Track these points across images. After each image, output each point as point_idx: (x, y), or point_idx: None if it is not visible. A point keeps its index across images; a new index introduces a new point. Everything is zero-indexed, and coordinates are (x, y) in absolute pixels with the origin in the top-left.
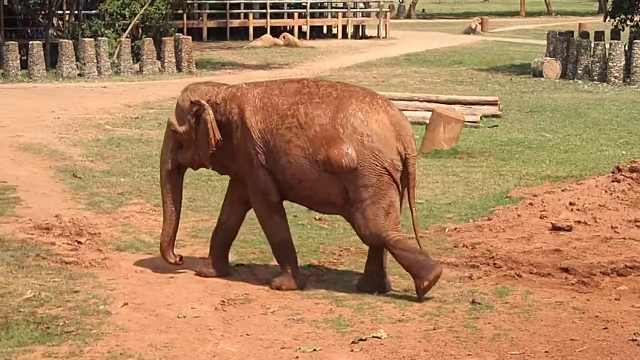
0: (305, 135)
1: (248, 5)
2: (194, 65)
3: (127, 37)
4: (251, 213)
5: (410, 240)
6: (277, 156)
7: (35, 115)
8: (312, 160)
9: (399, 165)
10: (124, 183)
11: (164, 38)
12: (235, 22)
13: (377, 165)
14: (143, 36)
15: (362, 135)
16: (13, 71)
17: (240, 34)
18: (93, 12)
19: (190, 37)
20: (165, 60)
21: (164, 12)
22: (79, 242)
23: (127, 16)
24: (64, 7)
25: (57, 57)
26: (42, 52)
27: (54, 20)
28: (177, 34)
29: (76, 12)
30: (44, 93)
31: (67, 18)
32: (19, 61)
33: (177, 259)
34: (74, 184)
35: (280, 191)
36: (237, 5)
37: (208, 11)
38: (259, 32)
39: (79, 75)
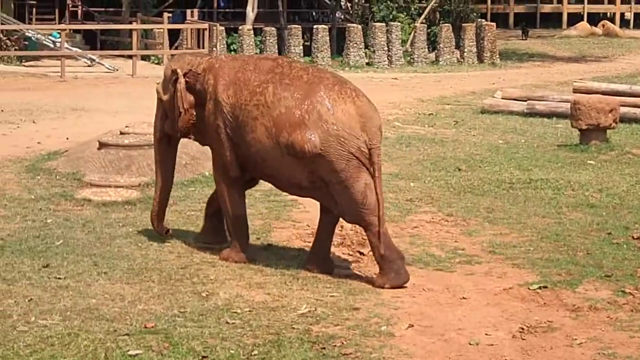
0: (270, 115)
1: None
2: (497, 56)
3: (422, 23)
4: None
5: (390, 237)
6: (244, 132)
7: None
8: (274, 141)
9: (366, 152)
10: (413, 188)
11: (464, 24)
12: (547, 8)
13: (343, 151)
14: (441, 22)
15: (328, 123)
16: (295, 58)
17: (552, 20)
18: None
19: (494, 24)
20: (465, 50)
21: None
22: (361, 253)
23: None
24: None
25: (343, 43)
26: (328, 38)
27: (342, 2)
28: (479, 19)
29: None
30: None
31: (356, 0)
32: (301, 47)
33: (165, 231)
34: None
35: (246, 167)
36: None
37: None
38: (574, 19)
39: (368, 64)
